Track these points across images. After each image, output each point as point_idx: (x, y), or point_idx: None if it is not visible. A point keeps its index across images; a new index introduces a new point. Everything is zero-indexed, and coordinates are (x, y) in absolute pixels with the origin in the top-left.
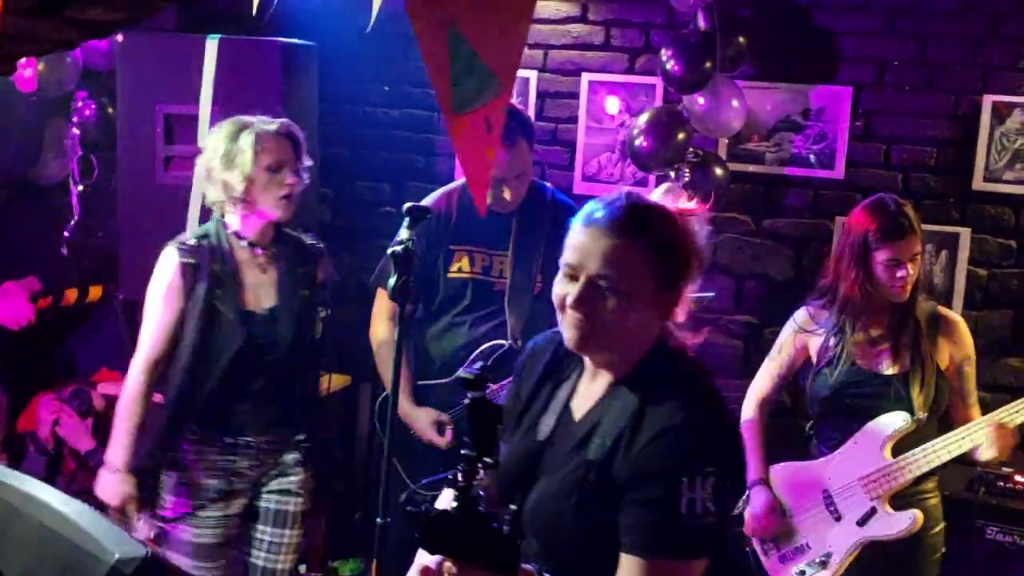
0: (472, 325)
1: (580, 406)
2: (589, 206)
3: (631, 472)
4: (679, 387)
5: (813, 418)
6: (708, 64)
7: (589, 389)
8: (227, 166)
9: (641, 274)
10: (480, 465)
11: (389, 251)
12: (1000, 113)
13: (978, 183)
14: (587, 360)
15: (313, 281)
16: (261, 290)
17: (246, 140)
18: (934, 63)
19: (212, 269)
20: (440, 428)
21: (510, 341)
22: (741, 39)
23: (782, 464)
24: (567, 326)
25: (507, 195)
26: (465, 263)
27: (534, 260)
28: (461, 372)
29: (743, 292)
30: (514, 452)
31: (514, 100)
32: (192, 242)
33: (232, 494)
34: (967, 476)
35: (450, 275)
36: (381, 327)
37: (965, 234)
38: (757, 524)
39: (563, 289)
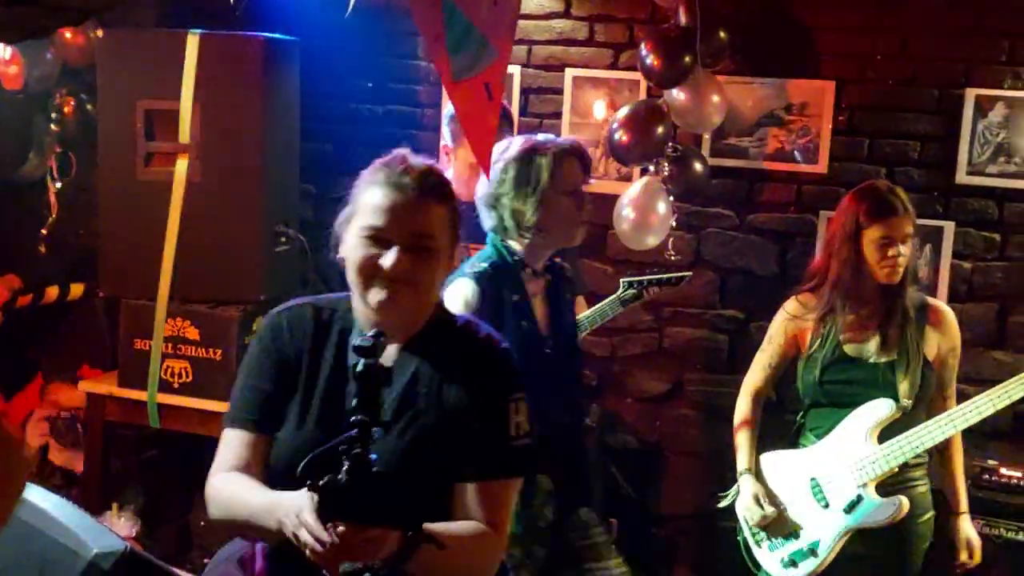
0: None
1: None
2: (381, 170)
3: (463, 408)
4: (471, 328)
5: (802, 407)
6: (688, 59)
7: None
8: (520, 191)
9: (446, 231)
10: (373, 429)
11: None
12: (983, 107)
13: (961, 177)
14: (363, 324)
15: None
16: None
17: (542, 162)
18: (917, 57)
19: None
20: None
21: None
22: (722, 34)
23: (770, 453)
24: (379, 290)
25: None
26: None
27: None
28: (357, 340)
29: (727, 287)
30: (326, 422)
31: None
32: (486, 269)
33: None
34: None
35: None
36: None
37: (949, 228)
38: (747, 514)
39: (370, 252)
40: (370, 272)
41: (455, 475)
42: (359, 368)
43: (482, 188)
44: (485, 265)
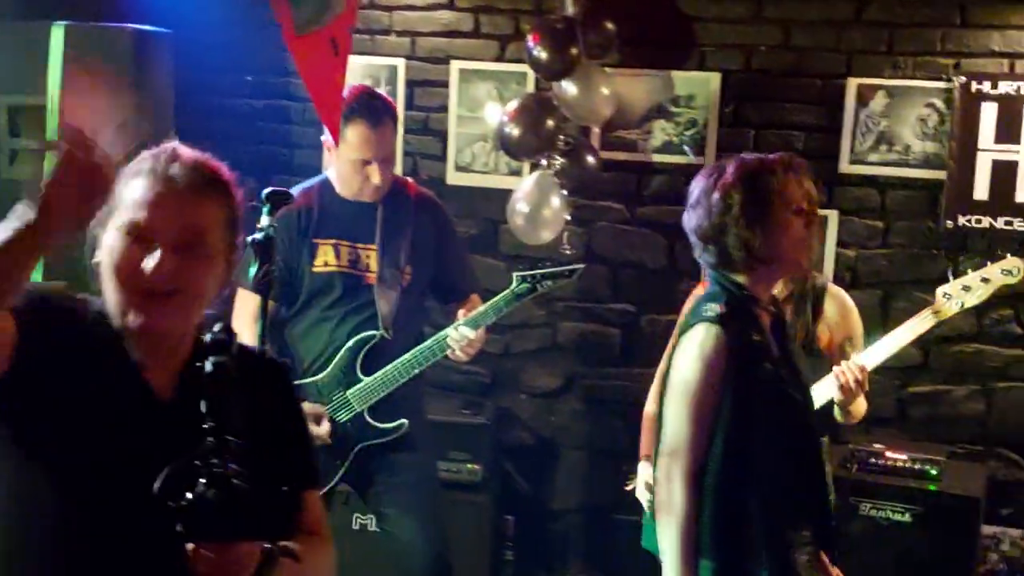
0: (341, 319)
1: (164, 385)
2: (146, 160)
3: (272, 422)
4: (241, 343)
5: None
6: (575, 51)
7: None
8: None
9: (222, 233)
10: (229, 438)
11: (249, 239)
12: (864, 96)
13: (845, 166)
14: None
15: None
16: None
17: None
18: (800, 48)
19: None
20: (317, 419)
21: (381, 332)
22: (609, 25)
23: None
24: (139, 299)
25: (375, 178)
26: (331, 256)
27: (400, 252)
28: (208, 336)
29: (619, 280)
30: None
31: (381, 88)
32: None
33: None
34: (840, 454)
35: (315, 269)
36: (243, 328)
37: (833, 216)
38: (641, 498)
39: (129, 254)
40: (129, 276)
41: (299, 486)
42: (208, 366)
43: (694, 220)
44: (718, 305)
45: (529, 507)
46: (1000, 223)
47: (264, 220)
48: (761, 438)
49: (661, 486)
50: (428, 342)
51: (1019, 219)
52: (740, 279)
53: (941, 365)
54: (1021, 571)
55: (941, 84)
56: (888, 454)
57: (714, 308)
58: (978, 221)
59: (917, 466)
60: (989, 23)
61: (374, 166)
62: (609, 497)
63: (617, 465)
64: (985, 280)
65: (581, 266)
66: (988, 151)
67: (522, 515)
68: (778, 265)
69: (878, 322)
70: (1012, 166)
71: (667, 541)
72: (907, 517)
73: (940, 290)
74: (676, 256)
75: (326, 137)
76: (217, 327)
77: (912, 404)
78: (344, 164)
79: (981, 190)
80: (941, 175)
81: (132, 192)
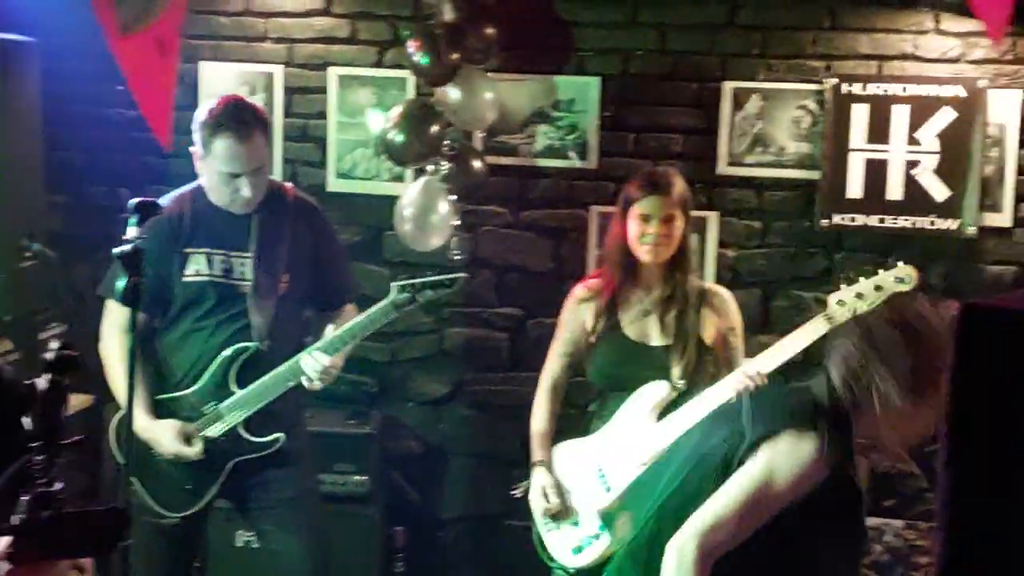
0: (214, 330)
1: None
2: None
3: None
4: None
5: (594, 395)
6: (456, 56)
7: None
8: None
9: None
10: (46, 450)
11: (116, 251)
12: (739, 99)
13: (722, 168)
14: None
15: None
16: None
17: None
18: (676, 52)
19: None
20: (187, 439)
21: (256, 343)
22: (490, 30)
23: (562, 443)
24: None
25: (246, 192)
26: (203, 265)
27: (278, 260)
28: (49, 353)
29: (504, 285)
30: None
31: (258, 97)
32: None
33: None
34: None
35: (186, 279)
36: (113, 341)
37: (713, 217)
38: (537, 505)
39: None
40: None
41: None
42: (42, 386)
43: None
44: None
45: (419, 517)
46: (873, 221)
47: (132, 231)
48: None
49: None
50: (282, 367)
51: (891, 217)
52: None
53: (821, 360)
54: (905, 561)
55: (813, 86)
56: None
57: (830, 428)
58: (852, 220)
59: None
60: (858, 26)
61: (244, 179)
62: (499, 504)
63: (507, 471)
64: (878, 288)
65: (462, 275)
66: (860, 151)
67: (412, 525)
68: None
69: (759, 320)
70: (883, 165)
71: None
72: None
73: (833, 297)
74: (561, 259)
75: (195, 147)
76: (55, 344)
77: None
78: (212, 176)
79: (854, 189)
80: (815, 175)
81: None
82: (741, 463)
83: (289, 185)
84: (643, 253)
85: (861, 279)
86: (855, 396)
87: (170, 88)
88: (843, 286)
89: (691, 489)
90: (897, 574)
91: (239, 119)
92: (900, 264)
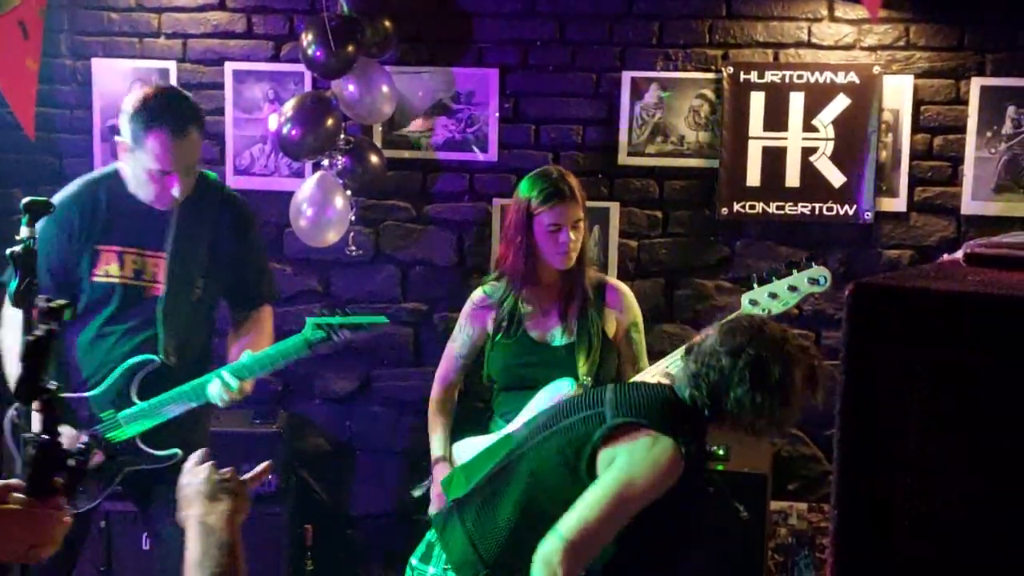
0: (120, 337)
1: None
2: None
3: None
4: None
5: (493, 392)
6: (352, 48)
7: None
8: None
9: None
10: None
11: (8, 252)
12: (639, 88)
13: (623, 158)
14: None
15: None
16: None
17: None
18: (574, 42)
19: None
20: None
21: (162, 357)
22: (387, 23)
23: (463, 440)
24: None
25: (175, 191)
26: (114, 266)
27: (195, 262)
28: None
29: (409, 279)
30: None
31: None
32: None
33: None
34: None
35: (96, 279)
36: (7, 333)
37: (615, 208)
38: (440, 501)
39: None
40: None
41: None
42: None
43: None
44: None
45: (328, 514)
46: (772, 208)
47: (24, 231)
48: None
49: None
50: (187, 387)
51: (790, 204)
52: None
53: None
54: (809, 544)
55: (711, 75)
56: None
57: (687, 430)
58: (752, 207)
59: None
60: (753, 14)
61: (175, 177)
62: (408, 500)
63: (416, 466)
64: (792, 288)
65: (385, 320)
66: (758, 139)
67: (321, 523)
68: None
69: (663, 309)
70: (781, 152)
71: None
72: None
73: (746, 296)
74: (464, 253)
75: (122, 137)
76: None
77: None
78: (139, 170)
79: (753, 177)
80: (715, 164)
81: None
82: (595, 448)
83: (213, 178)
84: (558, 263)
85: (774, 279)
86: (709, 398)
87: (33, 70)
88: (755, 285)
89: (546, 454)
90: (802, 556)
91: (176, 113)
92: (814, 265)
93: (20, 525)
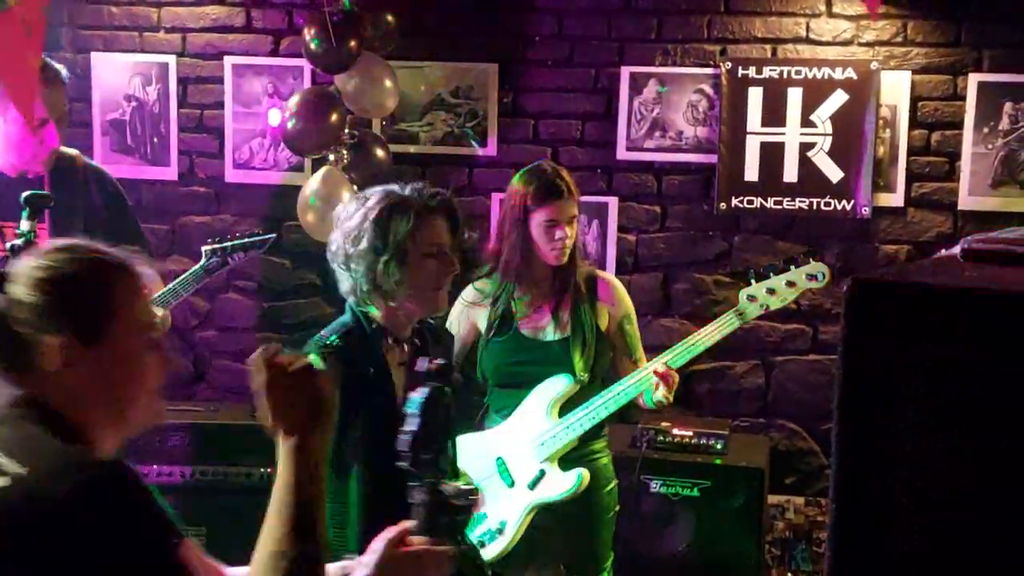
0: None
1: None
2: None
3: None
4: None
5: (486, 390)
6: (353, 43)
7: None
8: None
9: None
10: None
11: (8, 245)
12: (637, 83)
13: (621, 153)
14: None
15: None
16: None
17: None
18: (573, 38)
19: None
20: None
21: None
22: (389, 17)
23: (461, 437)
24: None
25: (52, 140)
26: None
27: (72, 229)
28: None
29: None
30: None
31: (152, 87)
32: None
33: None
34: (628, 433)
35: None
36: None
37: (613, 203)
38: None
39: None
40: None
41: None
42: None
43: (332, 245)
44: (336, 337)
45: None
46: (770, 203)
47: (24, 224)
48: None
49: None
50: None
51: (788, 199)
52: (373, 311)
53: (722, 341)
54: (806, 537)
55: (709, 70)
56: (675, 431)
57: (328, 339)
58: (750, 202)
59: (703, 441)
60: (751, 10)
61: (51, 126)
62: None
63: None
64: (791, 284)
65: (272, 236)
66: (756, 134)
67: None
68: (411, 302)
69: (661, 303)
70: (779, 147)
71: None
72: (695, 492)
73: (744, 292)
74: (464, 248)
75: None
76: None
77: (696, 381)
78: (12, 131)
79: (751, 172)
80: (713, 159)
81: None
82: None
83: (76, 152)
84: (553, 259)
85: (772, 275)
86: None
87: (36, 68)
88: (753, 281)
89: None
90: (799, 550)
91: (45, 64)
92: (812, 261)
93: (416, 566)
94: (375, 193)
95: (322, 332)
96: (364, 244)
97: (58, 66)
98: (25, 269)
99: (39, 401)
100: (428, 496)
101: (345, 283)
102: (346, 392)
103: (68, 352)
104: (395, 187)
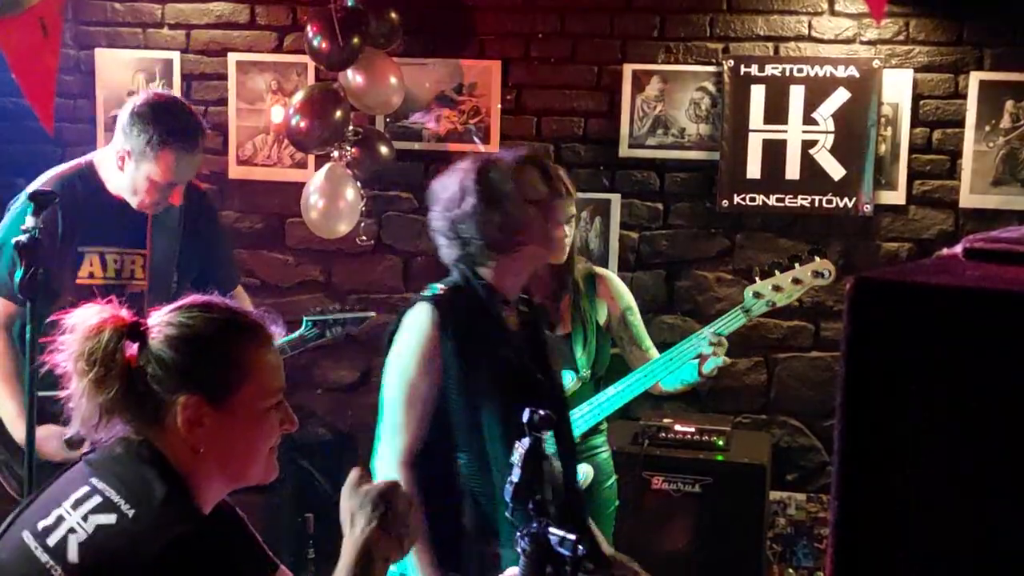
0: None
1: None
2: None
3: None
4: None
5: None
6: (357, 40)
7: None
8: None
9: None
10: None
11: (13, 242)
12: (640, 81)
13: (624, 150)
14: None
15: None
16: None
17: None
18: (575, 35)
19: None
20: (71, 444)
21: None
22: (393, 14)
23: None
24: None
25: (175, 199)
26: (97, 267)
27: (172, 259)
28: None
29: (410, 271)
30: None
31: (156, 83)
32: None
33: None
34: (631, 430)
35: (80, 282)
36: None
37: (616, 200)
38: None
39: None
40: None
41: None
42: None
43: (435, 219)
44: (440, 286)
45: (329, 503)
46: (772, 201)
47: (29, 221)
48: (487, 429)
49: (379, 473)
50: None
51: (790, 196)
52: (481, 271)
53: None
54: (808, 534)
55: (711, 68)
56: (677, 428)
57: (435, 288)
58: (752, 200)
59: (704, 438)
60: (754, 8)
61: (178, 188)
62: None
63: None
64: (796, 281)
65: (372, 314)
66: (758, 131)
67: (322, 512)
68: (520, 255)
69: (663, 300)
70: (781, 145)
71: None
72: (697, 488)
73: (749, 289)
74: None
75: (123, 148)
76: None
77: None
78: (141, 179)
79: (753, 169)
80: (715, 156)
81: None
82: None
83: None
84: (553, 258)
85: (777, 272)
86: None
87: (53, 68)
88: (758, 278)
89: None
90: (801, 546)
91: (187, 130)
92: (817, 258)
93: None
94: (465, 161)
95: (432, 285)
96: (469, 206)
97: (204, 125)
98: (162, 323)
99: (156, 447)
100: (532, 544)
101: (454, 250)
102: (468, 341)
103: (195, 412)
104: (482, 154)
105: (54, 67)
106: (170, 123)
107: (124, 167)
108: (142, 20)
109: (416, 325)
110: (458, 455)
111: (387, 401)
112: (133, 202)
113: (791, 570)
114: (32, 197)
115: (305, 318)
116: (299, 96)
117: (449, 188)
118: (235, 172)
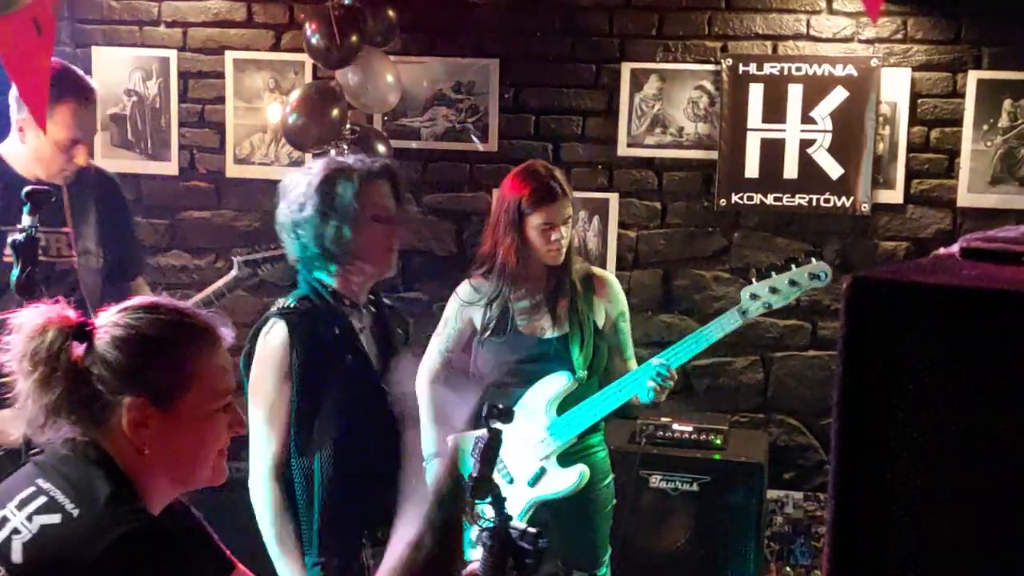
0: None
1: None
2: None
3: None
4: None
5: (484, 388)
6: (355, 38)
7: None
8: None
9: None
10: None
11: (10, 240)
12: (638, 80)
13: (622, 149)
14: None
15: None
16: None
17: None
18: (574, 33)
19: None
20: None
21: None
22: (391, 12)
23: (455, 435)
24: None
25: (80, 159)
26: None
27: (93, 233)
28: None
29: (409, 269)
30: None
31: (153, 81)
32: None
33: None
34: (630, 429)
35: (7, 259)
36: None
37: (614, 199)
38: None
39: None
40: None
41: None
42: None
43: (280, 215)
44: (293, 300)
45: None
46: (770, 200)
47: (25, 219)
48: (337, 434)
49: (252, 485)
50: None
51: (788, 195)
52: (325, 278)
53: (723, 337)
54: (805, 532)
55: (710, 67)
56: (674, 426)
57: (285, 303)
58: (750, 199)
59: (702, 436)
60: (752, 6)
61: (81, 146)
62: None
63: None
64: (793, 283)
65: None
66: (756, 130)
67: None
68: (361, 265)
69: (661, 299)
70: (779, 144)
71: (267, 542)
72: (695, 487)
73: (746, 290)
74: (464, 242)
75: (19, 117)
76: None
77: (696, 376)
78: (46, 145)
79: (751, 168)
80: (713, 155)
81: None
82: None
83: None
84: (549, 259)
85: (774, 274)
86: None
87: (47, 68)
88: (755, 280)
89: None
90: (798, 544)
91: (79, 86)
92: (814, 260)
93: None
94: (318, 162)
95: (279, 300)
96: (310, 210)
97: (93, 84)
98: (109, 323)
99: (102, 448)
100: (493, 539)
101: (294, 250)
102: (314, 352)
103: (140, 413)
104: (335, 156)
105: (47, 65)
106: (61, 79)
107: (25, 137)
108: (139, 18)
109: (268, 347)
110: (317, 455)
111: (252, 419)
112: (43, 173)
113: (788, 568)
114: (28, 194)
115: (235, 259)
116: (296, 94)
117: (296, 188)
118: (232, 171)
